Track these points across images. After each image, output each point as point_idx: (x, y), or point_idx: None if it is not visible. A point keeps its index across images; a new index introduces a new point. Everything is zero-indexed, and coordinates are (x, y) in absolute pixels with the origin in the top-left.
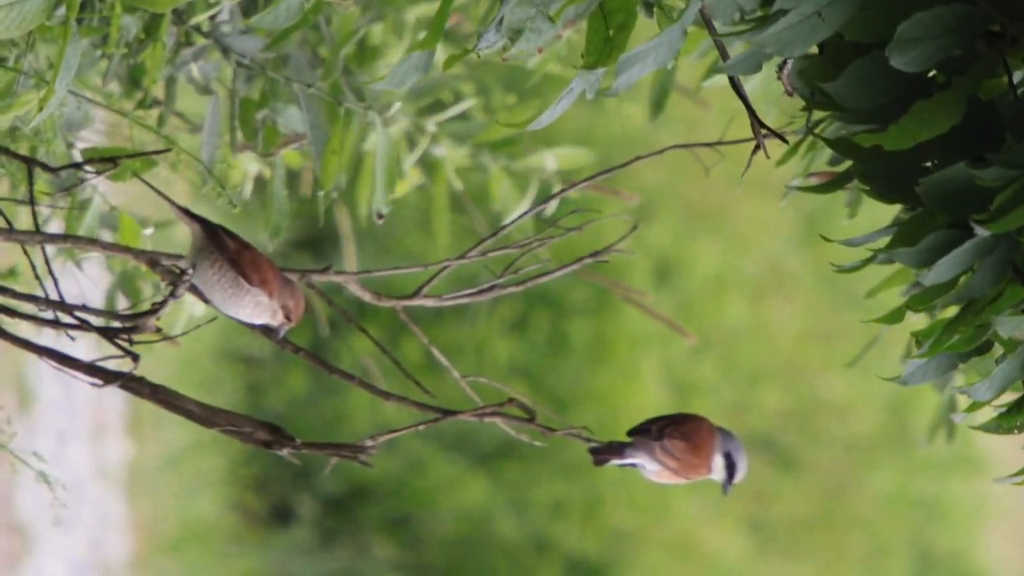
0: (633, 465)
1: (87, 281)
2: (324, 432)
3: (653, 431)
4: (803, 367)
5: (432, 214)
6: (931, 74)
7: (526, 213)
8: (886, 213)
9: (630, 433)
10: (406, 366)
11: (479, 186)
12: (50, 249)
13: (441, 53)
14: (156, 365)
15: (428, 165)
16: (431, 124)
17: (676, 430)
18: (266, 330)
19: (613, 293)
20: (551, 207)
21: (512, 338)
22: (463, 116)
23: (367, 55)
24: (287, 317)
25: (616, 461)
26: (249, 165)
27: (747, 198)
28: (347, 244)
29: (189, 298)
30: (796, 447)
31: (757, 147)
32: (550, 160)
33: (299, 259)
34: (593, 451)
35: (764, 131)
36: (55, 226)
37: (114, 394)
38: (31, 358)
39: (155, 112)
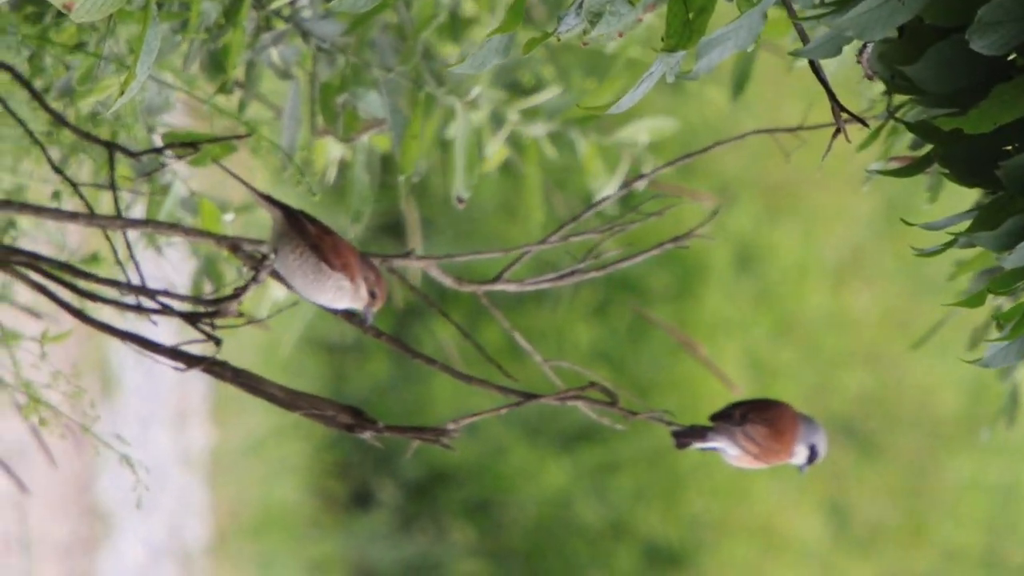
0: (714, 449)
1: (170, 267)
2: (406, 418)
3: (736, 416)
4: (884, 353)
5: (519, 197)
6: (1011, 57)
7: (608, 199)
8: (967, 198)
9: (712, 417)
10: (487, 351)
11: (562, 168)
12: (132, 234)
13: (521, 37)
14: (239, 352)
15: (516, 145)
16: (513, 112)
17: (759, 416)
18: (348, 315)
19: (694, 280)
20: (637, 188)
21: (593, 324)
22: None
23: (459, 28)
24: (371, 295)
25: (698, 445)
26: (333, 150)
27: (827, 183)
28: (413, 230)
29: (272, 283)
30: (876, 432)
31: (837, 131)
32: (641, 133)
33: (381, 246)
34: (676, 434)
35: (845, 115)
36: (137, 212)
37: (197, 380)
38: (114, 344)
39: (235, 97)
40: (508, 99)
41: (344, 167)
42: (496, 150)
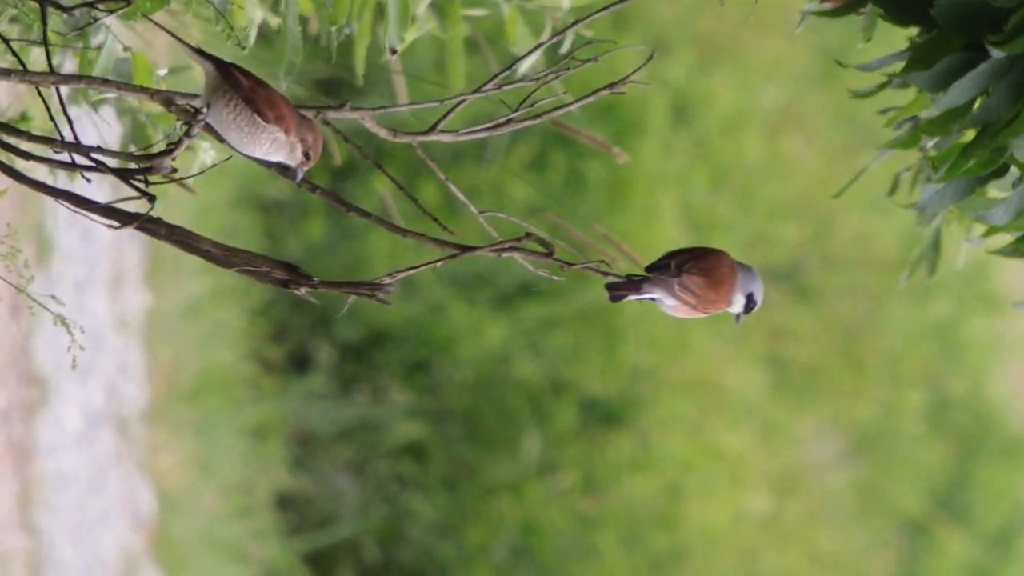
0: (651, 299)
1: (99, 130)
2: (343, 278)
3: (672, 267)
4: (820, 203)
5: (446, 57)
6: None
7: (541, 45)
8: (902, 41)
9: (649, 268)
10: (423, 204)
11: (492, 27)
12: (64, 92)
13: None
14: (173, 213)
15: (439, 8)
16: None
17: (695, 265)
18: (283, 169)
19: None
20: (565, 41)
21: (529, 179)
22: None
23: None
24: (305, 155)
25: (633, 296)
26: (254, 11)
27: (763, 32)
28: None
29: (200, 147)
30: (814, 277)
31: None
32: None
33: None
34: (610, 287)
35: None
36: (69, 69)
37: (132, 243)
38: (50, 207)
39: None
40: None
41: (267, 29)
42: (422, 13)
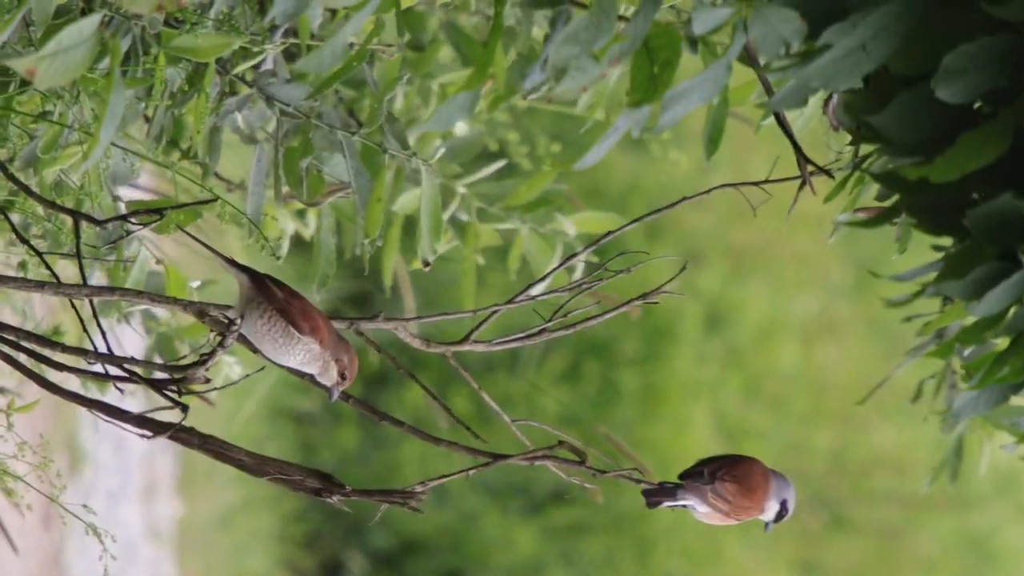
0: (684, 506)
1: (120, 343)
2: (374, 485)
3: (705, 474)
4: (853, 413)
5: (462, 275)
6: (977, 105)
7: (576, 255)
8: (933, 251)
9: (682, 475)
10: (455, 412)
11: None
12: (96, 303)
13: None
14: (206, 423)
15: (458, 227)
16: (461, 186)
17: (728, 473)
18: (315, 381)
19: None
20: (577, 268)
21: (563, 388)
22: (496, 176)
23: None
24: (341, 375)
25: (668, 503)
26: (286, 223)
27: (796, 241)
28: (406, 291)
29: (226, 362)
30: (848, 504)
31: (803, 183)
32: (569, 226)
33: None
34: (646, 492)
35: (811, 168)
36: (100, 280)
37: (165, 453)
38: (83, 419)
39: (199, 165)
40: (458, 173)
41: (297, 239)
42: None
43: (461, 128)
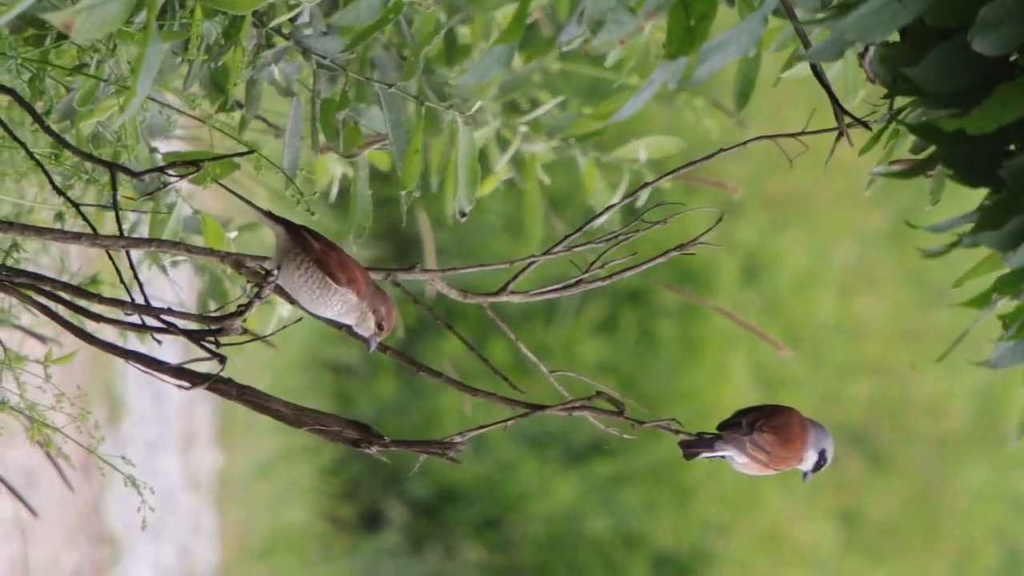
0: (722, 457)
1: (175, 288)
2: (414, 437)
3: (743, 425)
4: (891, 362)
5: (521, 214)
6: (1013, 57)
7: (614, 206)
8: (972, 202)
9: (720, 426)
10: (493, 364)
11: (566, 186)
12: (135, 254)
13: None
14: (245, 374)
15: (518, 163)
16: (521, 125)
17: (767, 424)
18: (353, 332)
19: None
20: (641, 198)
21: (600, 338)
22: (549, 115)
23: (456, 54)
24: (379, 326)
25: (706, 454)
26: (334, 167)
27: (832, 194)
28: (428, 244)
29: (277, 302)
30: (886, 443)
31: (840, 135)
32: (641, 151)
33: (383, 263)
34: (683, 444)
35: (847, 119)
36: (140, 232)
37: (203, 403)
38: (120, 369)
39: (237, 116)
40: (510, 117)
41: (345, 185)
42: (501, 167)
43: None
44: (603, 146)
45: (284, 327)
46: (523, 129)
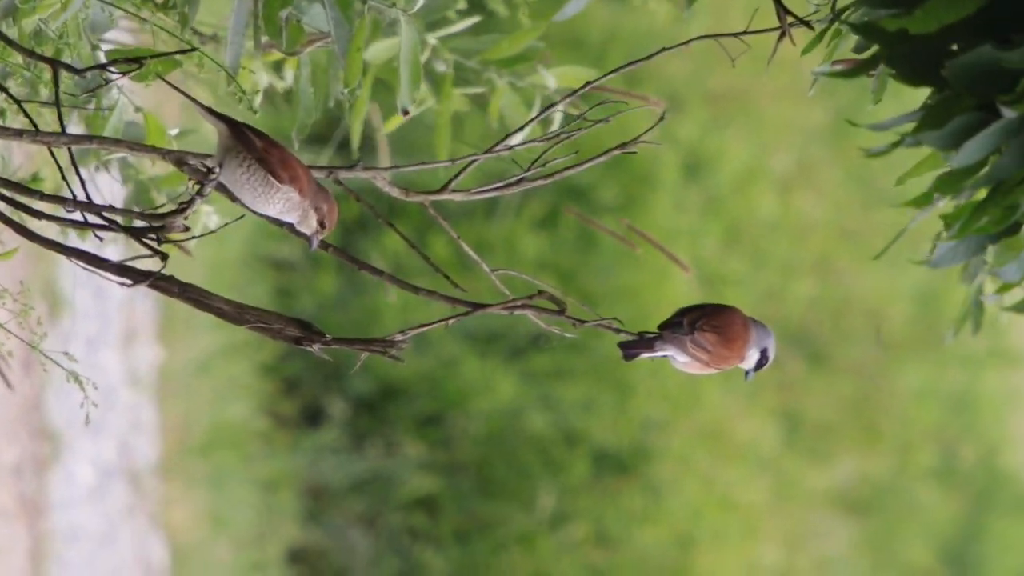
0: (664, 357)
1: (101, 192)
2: (355, 333)
3: (685, 325)
4: (832, 261)
5: (436, 129)
6: None
7: (556, 104)
8: (913, 101)
9: (661, 326)
10: (434, 261)
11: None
12: (76, 152)
13: None
14: (185, 271)
15: (433, 81)
16: (432, 38)
17: (708, 323)
18: (295, 230)
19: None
20: (555, 119)
21: (541, 235)
22: (471, 31)
23: None
24: (321, 224)
25: (646, 355)
26: (261, 75)
27: (775, 92)
28: (382, 143)
29: (204, 208)
30: (827, 343)
31: (783, 35)
32: (550, 79)
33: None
34: (623, 345)
35: (790, 19)
36: (79, 129)
37: (145, 299)
38: (62, 266)
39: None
40: (432, 26)
41: (271, 94)
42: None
43: None
44: (519, 71)
45: (226, 224)
46: (433, 42)
